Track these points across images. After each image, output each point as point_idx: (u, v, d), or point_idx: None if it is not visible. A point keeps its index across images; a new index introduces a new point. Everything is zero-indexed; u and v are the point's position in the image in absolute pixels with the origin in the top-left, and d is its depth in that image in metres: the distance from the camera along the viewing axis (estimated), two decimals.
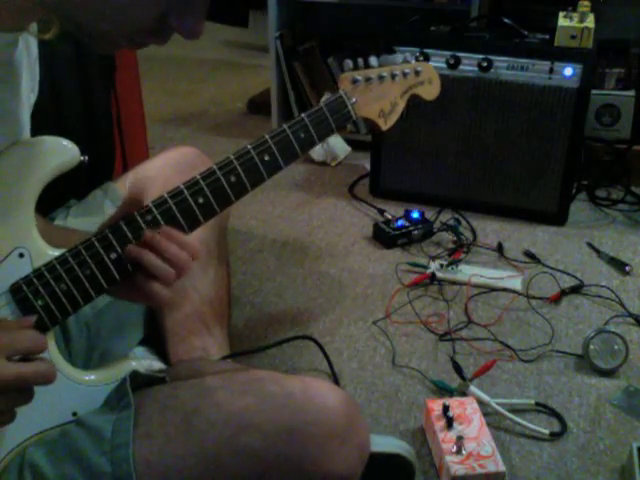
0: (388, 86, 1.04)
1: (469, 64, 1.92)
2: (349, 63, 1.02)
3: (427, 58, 1.93)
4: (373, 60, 1.03)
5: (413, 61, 1.07)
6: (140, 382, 0.86)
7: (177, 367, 1.17)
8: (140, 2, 0.67)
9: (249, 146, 0.88)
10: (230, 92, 3.27)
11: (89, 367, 0.93)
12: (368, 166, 2.21)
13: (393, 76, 1.04)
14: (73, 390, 0.84)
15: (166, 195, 0.83)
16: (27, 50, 0.81)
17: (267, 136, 0.89)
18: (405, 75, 1.06)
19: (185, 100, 3.15)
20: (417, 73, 1.07)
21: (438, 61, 1.94)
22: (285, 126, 0.92)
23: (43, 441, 0.82)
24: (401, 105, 1.06)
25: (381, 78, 1.02)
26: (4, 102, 0.78)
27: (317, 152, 2.36)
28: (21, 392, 0.72)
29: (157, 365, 1.22)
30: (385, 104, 1.04)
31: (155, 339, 1.26)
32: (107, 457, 0.78)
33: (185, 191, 0.84)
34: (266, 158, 0.89)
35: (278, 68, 2.54)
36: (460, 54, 1.92)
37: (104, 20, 0.69)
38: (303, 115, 0.93)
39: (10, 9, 0.70)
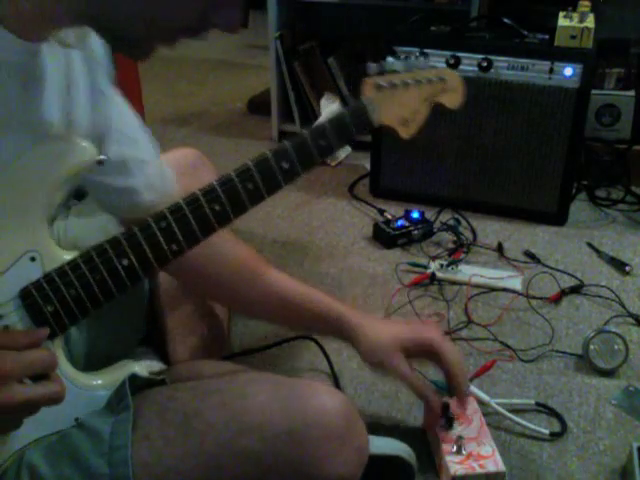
0: (412, 93, 1.01)
1: (469, 64, 1.92)
2: (374, 67, 0.99)
3: (427, 58, 1.93)
4: (398, 65, 1.00)
5: (438, 67, 1.05)
6: (140, 384, 0.86)
7: (177, 367, 1.18)
8: (182, 2, 0.67)
9: (268, 153, 0.86)
10: (230, 92, 3.27)
11: (89, 368, 0.92)
12: (368, 166, 2.21)
13: (418, 83, 1.01)
14: (78, 396, 0.83)
15: (182, 202, 0.82)
16: (55, 55, 0.80)
17: (287, 143, 0.88)
18: (430, 82, 1.03)
19: (185, 100, 3.15)
20: (442, 80, 1.04)
21: (438, 61, 1.94)
22: (306, 133, 0.90)
23: (42, 442, 0.82)
24: (423, 113, 1.03)
25: (405, 85, 1.00)
26: (30, 109, 0.76)
27: None
28: (31, 410, 0.72)
29: (157, 365, 1.22)
30: (407, 112, 1.01)
31: (155, 339, 1.26)
32: (105, 459, 0.78)
33: (201, 198, 0.82)
34: (284, 166, 0.87)
35: (278, 68, 2.54)
36: (460, 54, 1.92)
37: (146, 24, 0.68)
38: (325, 122, 0.91)
39: (38, 21, 0.69)
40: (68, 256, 0.79)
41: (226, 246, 1.08)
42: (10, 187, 0.74)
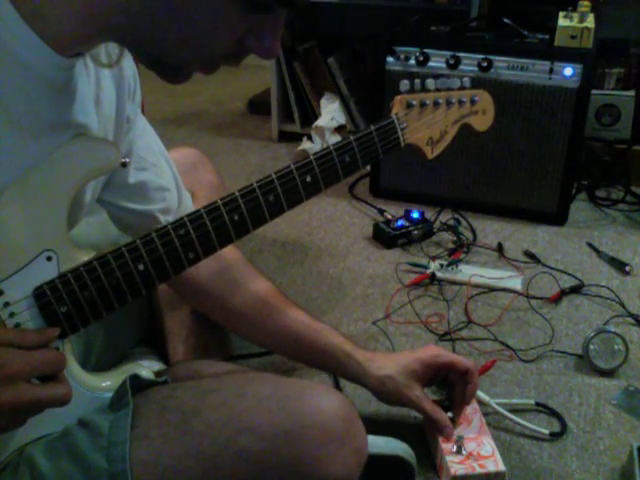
0: (442, 113, 1.00)
1: (469, 64, 1.92)
2: (406, 84, 0.97)
3: (427, 58, 1.93)
4: (430, 83, 0.99)
5: (470, 88, 1.03)
6: (142, 384, 0.86)
7: (177, 367, 1.18)
8: (222, 27, 0.67)
9: (292, 166, 0.86)
10: (230, 92, 3.27)
11: (87, 366, 0.92)
12: (368, 166, 2.20)
13: (448, 103, 1.00)
14: (83, 397, 0.83)
15: (202, 210, 0.81)
16: (91, 74, 0.80)
17: (312, 157, 0.88)
18: (461, 103, 1.01)
19: (185, 100, 3.15)
20: (473, 102, 1.03)
21: (438, 61, 1.94)
22: (332, 148, 0.89)
23: (43, 439, 0.82)
24: (451, 134, 1.02)
25: (436, 104, 0.98)
26: (61, 113, 0.76)
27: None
28: (36, 410, 0.72)
29: (157, 365, 1.22)
30: (435, 132, 1.00)
31: (155, 339, 1.26)
32: (103, 454, 0.78)
33: (222, 207, 0.82)
34: (308, 179, 0.87)
35: (278, 68, 2.54)
36: (460, 54, 1.92)
37: (185, 49, 0.68)
38: (352, 138, 0.91)
39: (77, 39, 0.69)
40: (85, 257, 0.78)
41: (248, 280, 1.10)
42: (34, 185, 0.74)
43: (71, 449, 0.79)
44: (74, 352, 0.83)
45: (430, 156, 1.01)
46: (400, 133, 0.96)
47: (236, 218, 0.83)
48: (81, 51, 0.73)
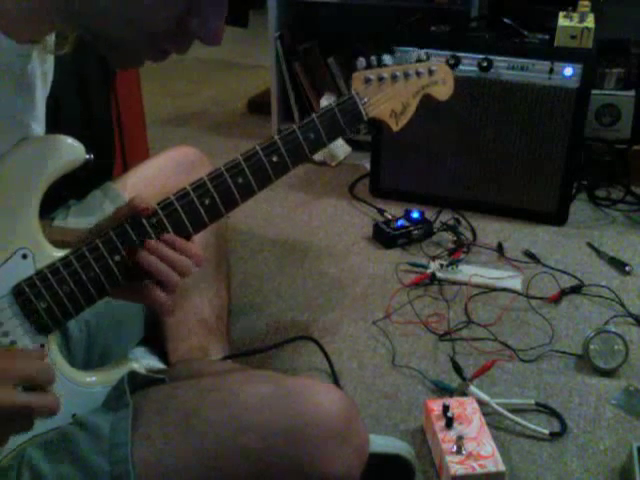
0: (401, 86, 1.02)
1: (469, 64, 1.92)
2: (362, 62, 1.00)
3: (427, 58, 1.93)
4: (387, 58, 1.01)
5: (427, 60, 1.06)
6: (140, 382, 0.86)
7: (177, 367, 1.18)
8: (159, 3, 0.67)
9: (257, 147, 0.87)
10: (230, 92, 3.27)
11: (89, 366, 0.92)
12: (368, 166, 2.21)
13: (406, 76, 1.02)
14: (74, 392, 0.83)
15: (172, 197, 0.82)
16: (40, 60, 0.81)
17: (276, 137, 0.88)
18: (419, 75, 1.04)
19: (185, 100, 3.15)
20: (431, 73, 1.05)
21: (438, 61, 1.93)
22: (295, 127, 0.91)
23: (42, 441, 0.82)
24: (413, 105, 1.04)
25: (394, 78, 1.00)
26: (19, 113, 0.77)
27: None
28: (23, 421, 0.71)
29: (157, 365, 1.22)
30: (397, 104, 1.02)
31: (155, 339, 1.26)
32: (105, 456, 0.78)
33: (192, 193, 0.83)
34: (274, 159, 0.88)
35: (278, 68, 2.54)
36: (460, 54, 1.92)
37: (125, 25, 0.68)
38: (314, 115, 0.92)
39: (26, 21, 0.69)
40: (60, 253, 0.79)
41: None
42: (2, 186, 0.75)
43: (72, 453, 0.79)
44: (76, 354, 0.83)
45: (395, 128, 1.03)
46: (362, 107, 0.97)
47: (207, 202, 0.84)
48: (35, 38, 0.73)
